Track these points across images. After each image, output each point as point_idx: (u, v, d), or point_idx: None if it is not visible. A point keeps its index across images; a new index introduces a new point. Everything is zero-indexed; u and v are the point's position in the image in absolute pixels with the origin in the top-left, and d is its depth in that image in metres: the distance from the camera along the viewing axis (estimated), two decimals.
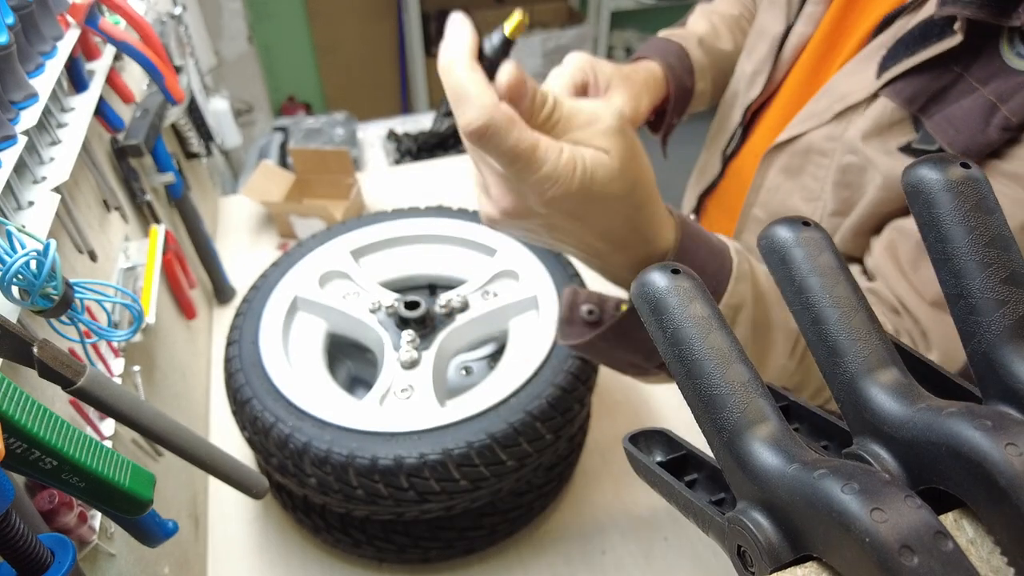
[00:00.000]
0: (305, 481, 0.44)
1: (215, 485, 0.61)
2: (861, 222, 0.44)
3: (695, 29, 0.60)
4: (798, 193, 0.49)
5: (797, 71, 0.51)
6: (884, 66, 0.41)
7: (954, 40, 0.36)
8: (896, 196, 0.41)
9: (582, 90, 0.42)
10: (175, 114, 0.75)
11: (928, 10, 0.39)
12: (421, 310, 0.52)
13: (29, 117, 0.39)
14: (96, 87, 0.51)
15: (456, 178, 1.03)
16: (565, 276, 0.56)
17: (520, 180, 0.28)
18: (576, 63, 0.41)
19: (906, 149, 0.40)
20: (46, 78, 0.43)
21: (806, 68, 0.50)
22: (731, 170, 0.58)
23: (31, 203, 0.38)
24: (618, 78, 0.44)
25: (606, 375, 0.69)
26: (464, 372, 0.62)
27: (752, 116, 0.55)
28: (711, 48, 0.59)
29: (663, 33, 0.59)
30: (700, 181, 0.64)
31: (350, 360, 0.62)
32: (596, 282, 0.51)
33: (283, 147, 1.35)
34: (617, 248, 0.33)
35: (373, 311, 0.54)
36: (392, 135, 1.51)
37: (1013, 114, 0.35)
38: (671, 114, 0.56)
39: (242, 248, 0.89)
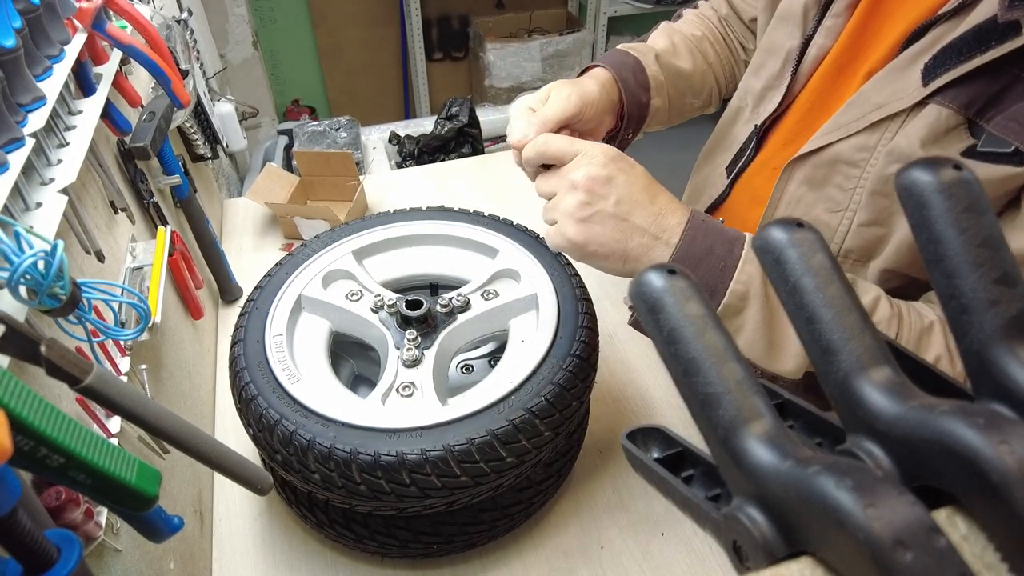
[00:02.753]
0: (309, 477, 0.45)
1: (220, 481, 0.62)
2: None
3: (654, 45, 0.60)
4: (822, 204, 0.48)
5: (814, 83, 0.51)
6: (931, 73, 0.40)
7: (1018, 42, 0.36)
8: None
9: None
10: (181, 117, 0.75)
11: (977, 16, 0.39)
12: (423, 309, 0.52)
13: (37, 120, 0.39)
14: (103, 90, 0.52)
15: (457, 180, 1.04)
16: (564, 276, 0.56)
17: (580, 158, 0.43)
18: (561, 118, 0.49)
19: (971, 153, 0.39)
20: (54, 81, 0.44)
21: (824, 80, 0.50)
22: (740, 185, 0.58)
23: (39, 204, 0.39)
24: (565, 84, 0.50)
25: (605, 374, 0.69)
26: (465, 370, 0.62)
27: (764, 131, 0.55)
28: (668, 64, 0.59)
29: (622, 46, 0.59)
30: (700, 200, 0.63)
31: (353, 359, 0.63)
32: (597, 283, 0.51)
33: (288, 150, 1.35)
34: (651, 203, 0.43)
35: (376, 310, 0.55)
36: (395, 138, 1.52)
37: None
38: (625, 128, 0.56)
39: (247, 249, 0.90)
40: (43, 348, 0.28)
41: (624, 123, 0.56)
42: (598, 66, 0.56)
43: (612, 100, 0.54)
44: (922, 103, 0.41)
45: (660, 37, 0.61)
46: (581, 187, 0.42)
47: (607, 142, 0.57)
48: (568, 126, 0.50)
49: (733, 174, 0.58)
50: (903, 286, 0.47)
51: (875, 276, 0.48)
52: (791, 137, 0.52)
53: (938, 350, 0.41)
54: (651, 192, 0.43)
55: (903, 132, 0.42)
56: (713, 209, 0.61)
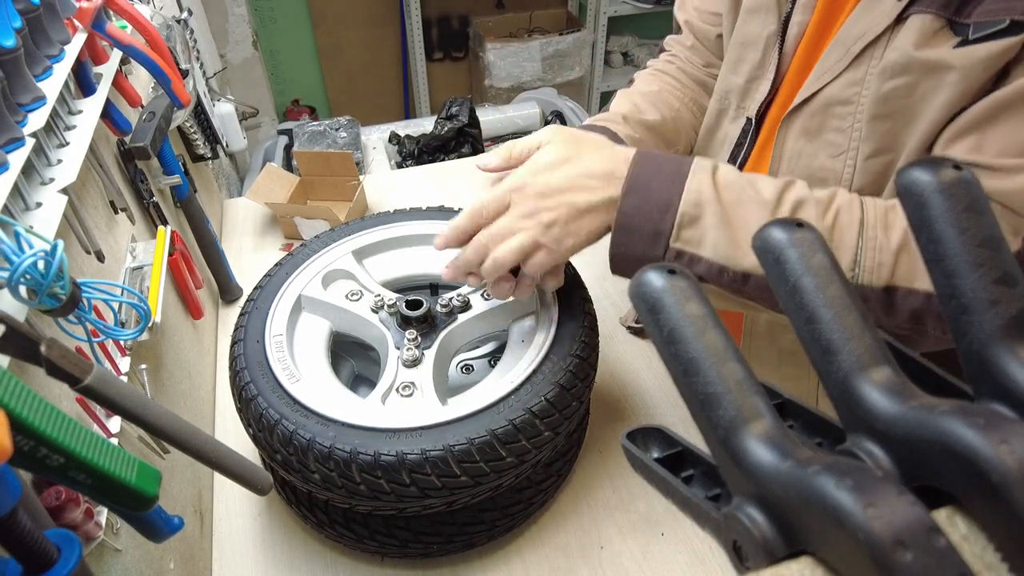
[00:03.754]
0: (309, 477, 0.45)
1: (220, 481, 0.62)
2: (927, 141, 0.43)
3: (618, 110, 0.60)
4: (823, 151, 0.49)
5: (800, 57, 0.51)
6: None
7: None
8: (972, 84, 0.40)
9: None
10: (181, 117, 0.75)
11: None
12: (423, 309, 0.52)
13: (37, 119, 0.39)
14: (103, 90, 0.52)
15: (457, 180, 1.04)
16: (564, 276, 0.56)
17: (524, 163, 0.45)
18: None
19: (965, 44, 0.40)
20: (53, 81, 0.44)
21: (805, 51, 0.51)
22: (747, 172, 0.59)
23: (39, 204, 0.39)
24: None
25: (605, 374, 0.69)
26: (465, 370, 0.62)
27: (759, 119, 0.55)
28: (637, 122, 0.59)
29: (587, 122, 0.59)
30: None
31: (353, 358, 0.63)
32: (597, 283, 0.51)
33: (288, 150, 1.35)
34: (594, 151, 0.44)
35: (376, 310, 0.55)
36: (395, 138, 1.52)
37: None
38: None
39: (247, 249, 0.90)
40: (43, 348, 0.28)
41: None
42: None
43: None
44: (901, 21, 0.42)
45: (622, 101, 0.62)
46: (536, 169, 0.43)
47: None
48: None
49: (736, 167, 0.57)
50: None
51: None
52: (784, 110, 0.53)
53: (904, 223, 0.42)
54: (602, 150, 0.45)
55: (891, 48, 0.43)
56: None
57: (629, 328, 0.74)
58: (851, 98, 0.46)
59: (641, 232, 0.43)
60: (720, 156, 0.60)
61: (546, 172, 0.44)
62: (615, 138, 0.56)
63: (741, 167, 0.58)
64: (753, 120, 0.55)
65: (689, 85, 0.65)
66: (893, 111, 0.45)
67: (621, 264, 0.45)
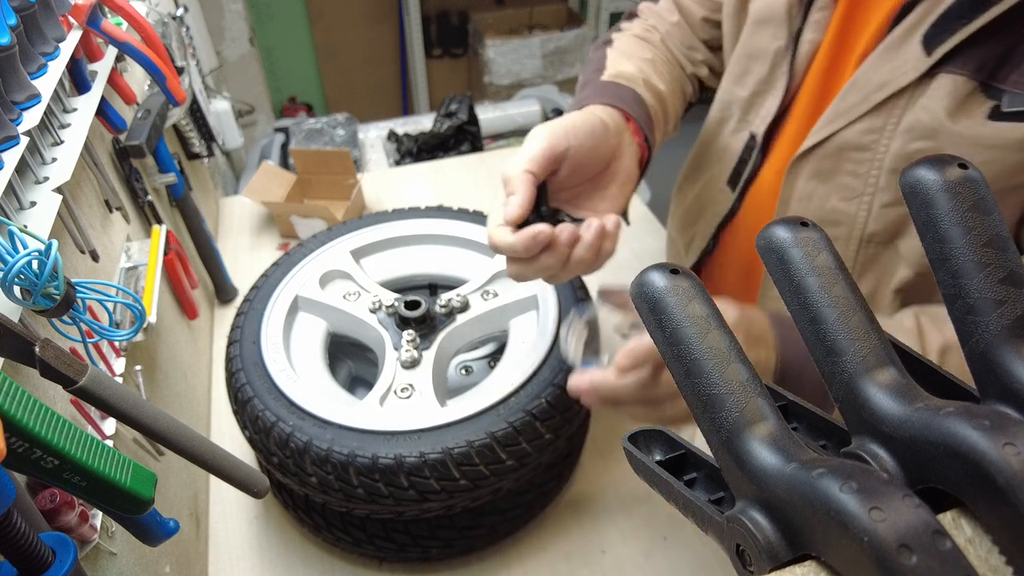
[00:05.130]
0: (306, 480, 0.45)
1: (216, 484, 0.61)
2: None
3: (630, 71, 0.52)
4: (836, 195, 0.48)
5: (812, 79, 0.50)
6: (932, 42, 0.40)
7: None
8: (1004, 164, 0.39)
9: (554, 163, 0.42)
10: (177, 115, 0.75)
11: None
12: (421, 310, 0.52)
13: (31, 117, 0.39)
14: (98, 88, 0.52)
15: (456, 179, 1.03)
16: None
17: None
18: (542, 151, 0.41)
19: (997, 115, 0.39)
20: (48, 79, 0.43)
21: (821, 74, 0.49)
22: (751, 197, 0.56)
23: (33, 203, 0.38)
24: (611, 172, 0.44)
25: None
26: (464, 372, 0.62)
27: (765, 137, 0.53)
28: (655, 90, 0.52)
29: (607, 76, 0.51)
30: (702, 219, 0.60)
31: (351, 360, 0.62)
32: (597, 284, 0.51)
33: (284, 148, 1.35)
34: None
35: (374, 311, 0.54)
36: (393, 136, 1.52)
37: None
38: (643, 169, 0.49)
39: (243, 248, 0.89)
40: (37, 349, 0.28)
41: (647, 159, 0.49)
42: (609, 107, 0.47)
43: (610, 139, 0.45)
44: (929, 75, 0.41)
45: (621, 62, 0.53)
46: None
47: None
48: (555, 169, 0.42)
49: (740, 187, 0.56)
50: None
51: (907, 252, 0.47)
52: (796, 137, 0.51)
53: None
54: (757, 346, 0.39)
55: (920, 106, 0.42)
56: (723, 226, 0.59)
57: (623, 336, 0.72)
58: (869, 145, 0.44)
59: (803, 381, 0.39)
60: (719, 170, 0.58)
61: None
62: (640, 103, 0.49)
63: (746, 186, 0.56)
64: (759, 138, 0.53)
65: (673, 63, 0.59)
66: None
67: None
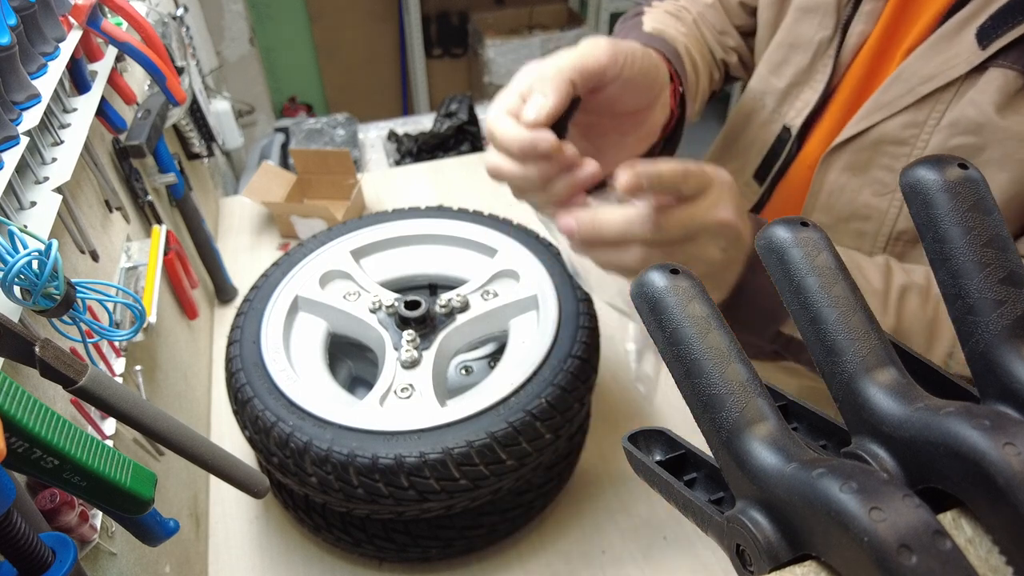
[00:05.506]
0: (306, 480, 0.45)
1: (216, 484, 0.61)
2: (1003, 206, 0.40)
3: (676, 35, 0.51)
4: (868, 189, 0.47)
5: (856, 71, 0.48)
6: (988, 35, 0.39)
7: None
8: None
9: (599, 83, 0.37)
10: (177, 115, 0.75)
11: None
12: (421, 310, 0.52)
13: (31, 117, 0.39)
14: (98, 88, 0.52)
15: (456, 179, 1.03)
16: (565, 276, 0.56)
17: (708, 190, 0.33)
18: (596, 63, 0.35)
19: None
20: (48, 79, 0.43)
21: (865, 66, 0.48)
22: (781, 190, 0.54)
23: (33, 203, 0.38)
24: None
25: (606, 375, 0.69)
26: (464, 372, 0.62)
27: (802, 129, 0.51)
28: (692, 59, 0.51)
29: (648, 27, 0.49)
30: None
31: (351, 360, 0.62)
32: None
33: (284, 148, 1.35)
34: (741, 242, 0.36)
35: (374, 311, 0.54)
36: (393, 136, 1.51)
37: None
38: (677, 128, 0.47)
39: (243, 248, 0.89)
40: (37, 349, 0.28)
41: (685, 114, 0.46)
42: (653, 51, 0.43)
43: (665, 80, 0.42)
44: (979, 69, 0.40)
45: (671, 28, 0.51)
46: (732, 230, 0.34)
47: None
48: (597, 88, 0.36)
49: (769, 180, 0.54)
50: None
51: None
52: (833, 131, 0.49)
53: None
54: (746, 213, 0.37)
55: (967, 100, 0.41)
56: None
57: None
58: (908, 140, 0.43)
59: (753, 307, 0.38)
60: (745, 162, 0.56)
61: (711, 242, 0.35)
62: (677, 58, 0.47)
63: (775, 181, 0.54)
64: (795, 130, 0.51)
65: (703, 45, 0.56)
66: None
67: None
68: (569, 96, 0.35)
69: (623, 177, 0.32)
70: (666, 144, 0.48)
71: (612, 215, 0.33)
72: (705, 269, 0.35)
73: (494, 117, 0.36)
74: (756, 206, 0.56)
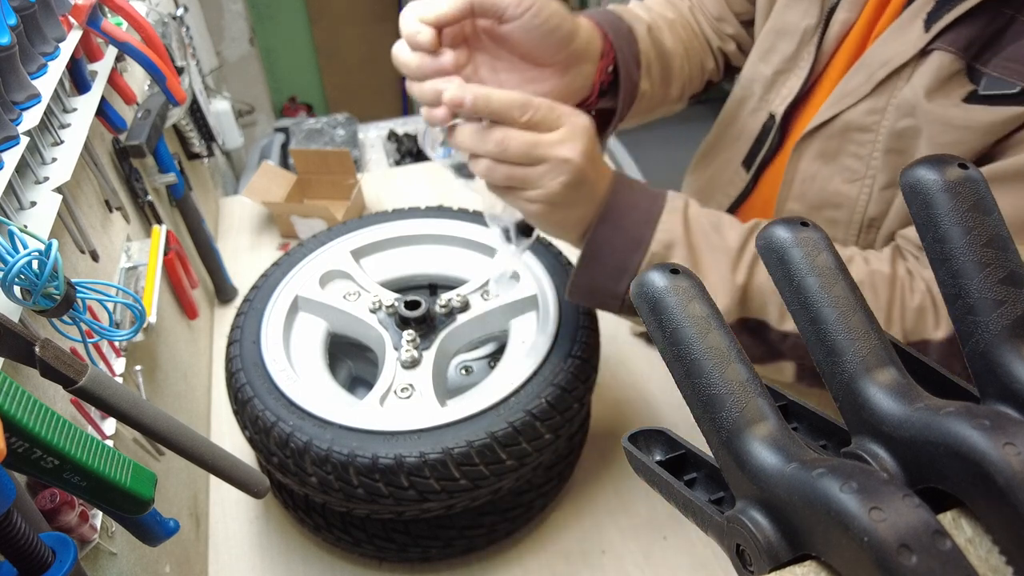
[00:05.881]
0: (306, 480, 0.45)
1: (216, 484, 0.61)
2: None
3: (642, 16, 0.53)
4: (839, 176, 0.48)
5: (841, 59, 0.49)
6: (933, 18, 0.40)
7: None
8: (971, 146, 0.39)
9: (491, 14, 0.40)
10: (177, 115, 0.75)
11: None
12: (421, 310, 0.52)
13: (31, 117, 0.39)
14: (98, 88, 0.52)
15: (456, 179, 1.03)
16: (564, 276, 0.56)
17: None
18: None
19: (973, 98, 0.39)
20: (48, 79, 0.43)
21: (847, 53, 0.48)
22: (767, 178, 0.55)
23: (33, 203, 0.38)
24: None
25: (607, 375, 0.69)
26: (464, 372, 0.62)
27: (785, 117, 0.52)
28: (657, 41, 0.52)
29: (611, 6, 0.52)
30: (712, 201, 0.59)
31: (351, 360, 0.62)
32: None
33: (284, 148, 1.35)
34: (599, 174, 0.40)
35: (374, 311, 0.54)
36: (393, 136, 1.51)
37: None
38: (621, 110, 0.50)
39: (243, 248, 0.89)
40: (38, 349, 0.28)
41: (622, 97, 0.49)
42: (584, 18, 0.47)
43: (592, 52, 0.45)
44: (925, 52, 0.41)
45: (640, 9, 0.54)
46: (573, 168, 0.38)
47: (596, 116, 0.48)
48: (498, 21, 0.40)
49: (755, 167, 0.55)
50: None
51: (884, 241, 0.47)
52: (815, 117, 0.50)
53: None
54: (599, 162, 0.41)
55: (909, 85, 0.42)
56: (735, 208, 0.58)
57: (640, 334, 0.72)
58: (871, 126, 0.45)
59: (607, 265, 0.42)
60: (735, 150, 0.57)
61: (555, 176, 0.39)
62: (631, 40, 0.49)
63: (761, 169, 0.55)
64: (778, 118, 0.52)
65: (695, 33, 0.58)
66: (906, 148, 0.43)
67: (580, 293, 0.44)
68: (464, 12, 0.39)
69: (449, 90, 0.37)
70: (605, 121, 0.51)
71: (480, 91, 0.37)
72: (543, 199, 0.39)
73: (406, 12, 0.40)
74: (743, 193, 0.57)
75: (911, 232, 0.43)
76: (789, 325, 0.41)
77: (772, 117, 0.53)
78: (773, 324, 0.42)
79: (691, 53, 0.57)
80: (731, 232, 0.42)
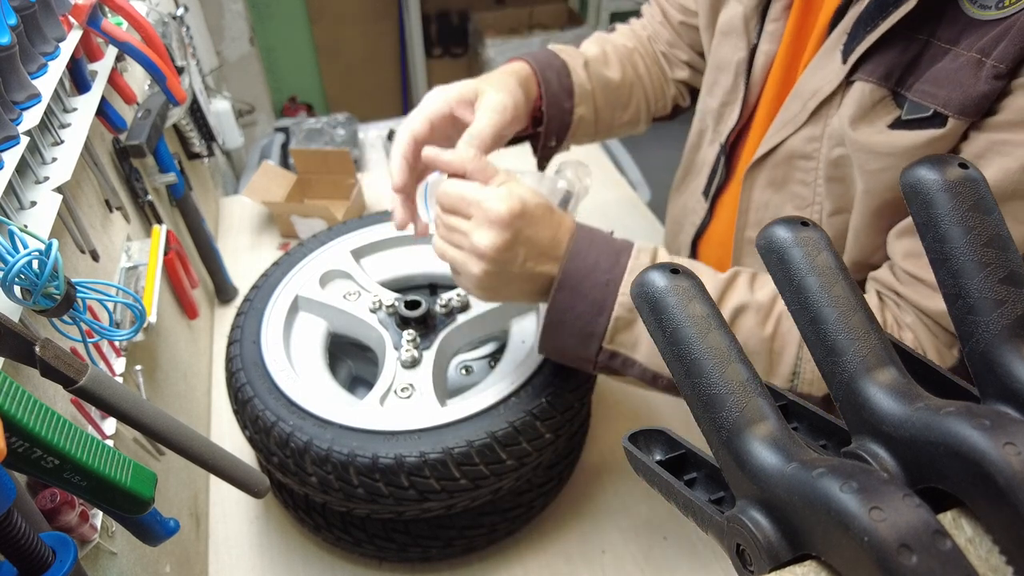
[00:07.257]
0: (306, 480, 0.45)
1: (216, 484, 0.61)
2: (869, 217, 0.43)
3: (584, 51, 0.58)
4: (790, 203, 0.49)
5: (770, 90, 0.51)
6: (848, 49, 0.41)
7: (911, 3, 0.37)
8: (899, 172, 0.40)
9: (447, 121, 0.47)
10: (177, 114, 0.75)
11: None
12: (422, 309, 0.52)
13: (31, 117, 0.39)
14: (98, 87, 0.52)
15: None
16: None
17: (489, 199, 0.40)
18: (431, 105, 0.47)
19: (897, 124, 0.40)
20: (48, 78, 0.43)
21: (777, 84, 0.50)
22: (720, 207, 0.57)
23: (33, 203, 0.38)
24: (485, 83, 0.48)
25: None
26: (464, 372, 0.62)
27: (731, 148, 0.54)
28: (597, 73, 0.56)
29: (552, 46, 0.57)
30: (683, 230, 0.62)
31: (351, 359, 0.62)
32: None
33: (284, 148, 1.35)
34: (552, 239, 0.41)
35: (374, 310, 0.54)
36: (393, 136, 1.51)
37: (1000, 61, 0.35)
38: (546, 135, 0.54)
39: (243, 248, 0.89)
40: (38, 349, 0.28)
41: (545, 127, 0.53)
42: (519, 60, 0.53)
43: (529, 99, 0.52)
44: (849, 82, 0.42)
45: (591, 45, 0.60)
46: (488, 257, 0.40)
47: (532, 142, 0.55)
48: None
49: (711, 197, 0.57)
50: (863, 280, 0.46)
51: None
52: (757, 148, 0.52)
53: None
54: (552, 227, 0.41)
55: (838, 115, 0.43)
56: (699, 236, 0.60)
57: None
58: (811, 153, 0.45)
59: (572, 330, 0.41)
60: (699, 181, 0.59)
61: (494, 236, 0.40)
62: (563, 74, 0.54)
63: (715, 197, 0.57)
64: (725, 149, 0.54)
65: (654, 60, 0.63)
66: (844, 176, 0.44)
67: (551, 354, 0.44)
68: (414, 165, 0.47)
69: (407, 144, 0.45)
70: (544, 149, 0.55)
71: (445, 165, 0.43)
72: (481, 253, 0.41)
73: (393, 158, 0.46)
74: (704, 222, 0.59)
75: (883, 274, 0.43)
76: (778, 374, 0.41)
77: (723, 148, 0.55)
78: None
79: (653, 79, 0.62)
80: (706, 284, 0.41)
